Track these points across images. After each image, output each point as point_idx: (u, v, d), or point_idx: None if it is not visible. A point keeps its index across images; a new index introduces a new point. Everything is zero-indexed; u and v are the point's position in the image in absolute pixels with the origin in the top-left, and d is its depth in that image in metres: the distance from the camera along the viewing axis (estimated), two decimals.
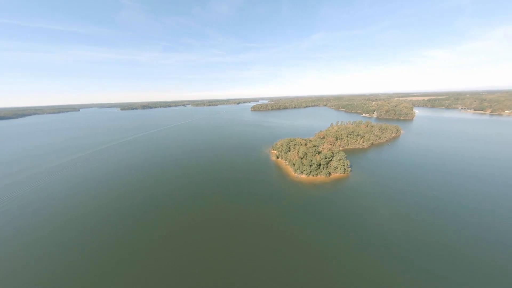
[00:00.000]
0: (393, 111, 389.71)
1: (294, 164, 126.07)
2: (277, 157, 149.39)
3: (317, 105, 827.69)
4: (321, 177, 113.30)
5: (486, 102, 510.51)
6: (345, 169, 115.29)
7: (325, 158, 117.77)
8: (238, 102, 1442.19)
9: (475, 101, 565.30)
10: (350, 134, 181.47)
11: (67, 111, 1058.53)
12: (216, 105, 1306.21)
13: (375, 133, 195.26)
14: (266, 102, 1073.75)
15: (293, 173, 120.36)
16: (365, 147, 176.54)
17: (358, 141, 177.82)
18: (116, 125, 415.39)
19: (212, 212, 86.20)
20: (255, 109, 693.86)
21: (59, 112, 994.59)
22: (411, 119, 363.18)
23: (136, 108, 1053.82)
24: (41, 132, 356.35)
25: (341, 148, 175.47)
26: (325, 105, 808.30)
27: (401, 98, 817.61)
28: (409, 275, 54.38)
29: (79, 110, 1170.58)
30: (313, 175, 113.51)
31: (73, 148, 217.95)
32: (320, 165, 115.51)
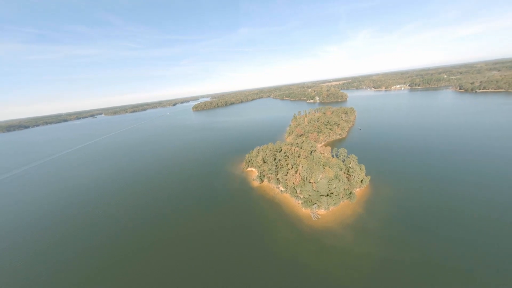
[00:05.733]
0: (332, 95, 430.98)
1: (295, 190, 78.15)
2: (262, 180, 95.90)
3: (261, 97, 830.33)
4: (346, 205, 72.25)
5: (378, 82, 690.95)
6: (363, 179, 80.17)
7: (341, 170, 77.38)
8: (174, 103, 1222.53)
9: (370, 82, 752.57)
10: (327, 125, 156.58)
11: None
12: (145, 109, 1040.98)
13: (343, 119, 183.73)
14: (208, 99, 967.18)
15: (302, 209, 72.41)
16: (343, 136, 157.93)
17: (335, 131, 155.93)
18: None
19: None
20: (198, 108, 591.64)
21: None
22: (346, 100, 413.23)
23: None
24: None
25: (324, 143, 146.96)
26: (269, 96, 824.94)
27: (324, 84, 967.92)
28: None
29: None
30: (335, 204, 70.21)
31: None
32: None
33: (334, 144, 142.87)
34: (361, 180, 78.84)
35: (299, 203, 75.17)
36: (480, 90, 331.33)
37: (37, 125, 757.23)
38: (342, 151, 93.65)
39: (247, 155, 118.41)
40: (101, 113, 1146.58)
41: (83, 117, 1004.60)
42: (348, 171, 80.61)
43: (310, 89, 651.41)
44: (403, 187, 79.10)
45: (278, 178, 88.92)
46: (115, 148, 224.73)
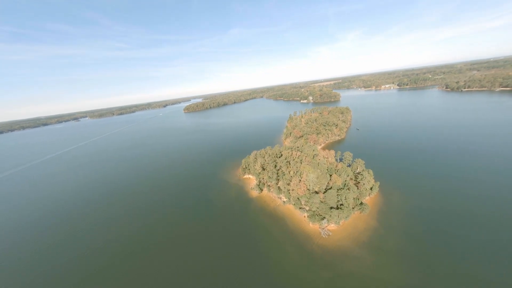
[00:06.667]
0: (325, 95, 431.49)
1: (299, 200, 69.72)
2: (261, 190, 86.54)
3: (255, 98, 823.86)
4: (358, 217, 64.69)
5: (368, 82, 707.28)
6: (373, 186, 73.27)
7: (348, 177, 69.89)
8: (164, 104, 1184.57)
9: (360, 82, 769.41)
10: (325, 125, 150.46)
11: None
12: (133, 111, 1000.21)
13: (341, 119, 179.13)
14: (200, 100, 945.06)
15: (309, 224, 63.96)
16: (342, 137, 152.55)
17: (334, 132, 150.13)
18: None
19: None
20: (190, 110, 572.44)
21: None
22: (339, 100, 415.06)
23: None
24: None
25: (323, 144, 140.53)
26: (262, 97, 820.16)
27: (316, 84, 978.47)
28: None
29: None
30: (345, 218, 62.30)
31: None
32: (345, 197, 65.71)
33: (333, 146, 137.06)
34: (371, 187, 71.91)
35: (305, 216, 66.66)
36: (465, 89, 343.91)
37: (12, 130, 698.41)
38: (347, 154, 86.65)
39: (243, 161, 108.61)
40: (86, 116, 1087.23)
41: (65, 121, 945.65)
42: (357, 178, 73.45)
43: (303, 89, 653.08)
44: (415, 191, 73.24)
45: (279, 187, 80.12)
46: (95, 154, 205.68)
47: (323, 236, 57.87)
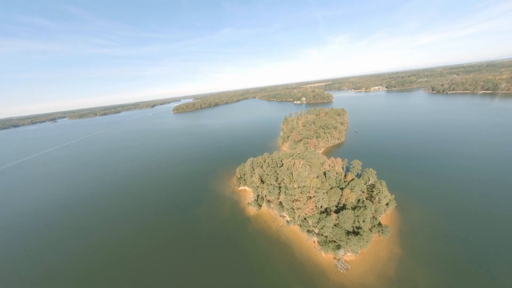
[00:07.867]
0: (318, 96, 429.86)
1: (306, 221, 58.32)
2: (260, 206, 73.98)
3: (247, 98, 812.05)
4: (377, 242, 54.34)
5: (357, 84, 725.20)
6: (389, 201, 63.82)
7: (360, 192, 59.69)
8: (153, 104, 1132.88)
9: (350, 84, 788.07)
10: (324, 128, 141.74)
11: None
12: (118, 111, 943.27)
13: (338, 121, 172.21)
14: (191, 100, 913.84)
15: (321, 253, 52.62)
16: (342, 140, 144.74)
17: (333, 135, 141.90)
18: None
19: None
20: (179, 110, 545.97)
21: None
22: (332, 101, 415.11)
23: None
24: None
25: (323, 149, 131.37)
26: (254, 97, 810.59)
27: (307, 86, 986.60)
28: None
29: None
30: (364, 245, 51.63)
31: None
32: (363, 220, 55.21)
33: (334, 150, 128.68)
34: (386, 203, 62.44)
35: (314, 241, 55.23)
36: (450, 92, 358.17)
37: None
38: (356, 163, 77.03)
39: (238, 169, 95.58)
40: (64, 117, 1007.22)
41: (40, 122, 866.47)
42: (371, 192, 63.57)
43: (295, 90, 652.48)
44: (432, 202, 65.25)
45: (281, 202, 68.31)
46: (66, 161, 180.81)
47: (340, 271, 46.68)
